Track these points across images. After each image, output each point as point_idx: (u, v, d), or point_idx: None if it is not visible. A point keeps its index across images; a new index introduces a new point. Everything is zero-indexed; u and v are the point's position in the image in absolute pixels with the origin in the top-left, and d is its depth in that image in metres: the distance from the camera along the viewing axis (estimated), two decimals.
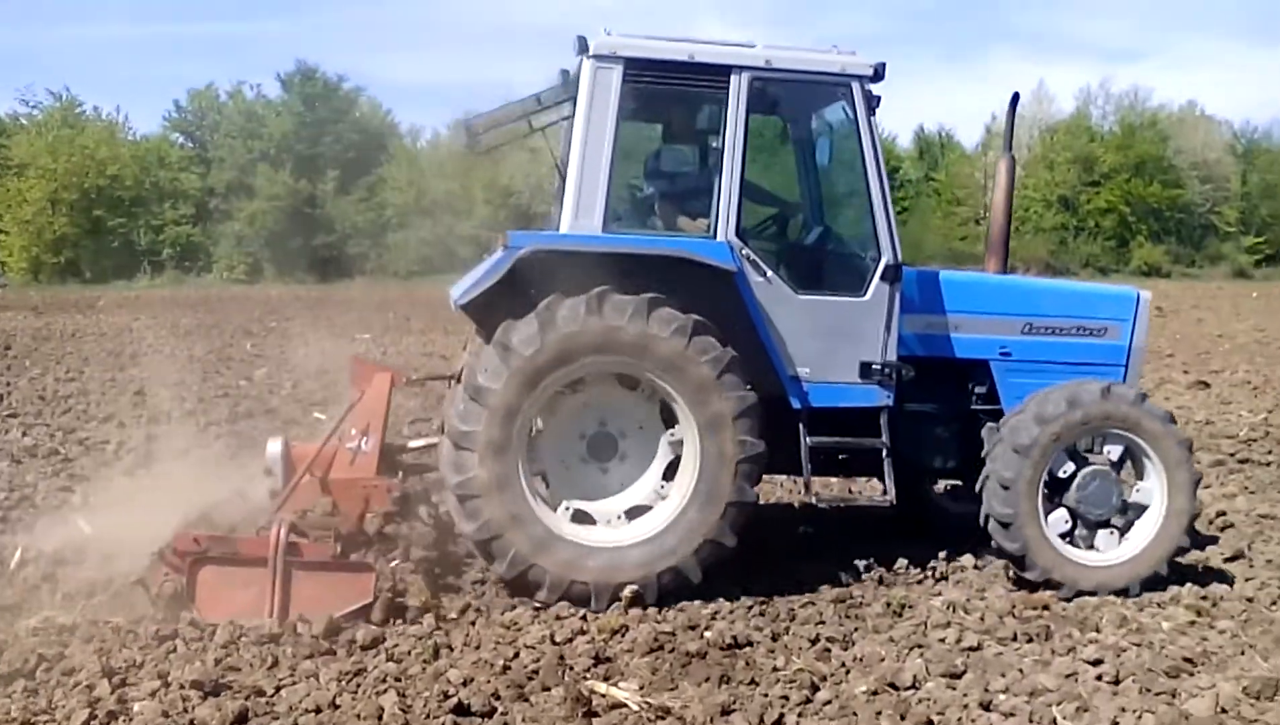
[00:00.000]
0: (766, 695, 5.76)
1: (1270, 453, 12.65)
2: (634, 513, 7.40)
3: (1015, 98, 8.95)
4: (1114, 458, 7.71)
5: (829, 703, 5.74)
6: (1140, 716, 5.61)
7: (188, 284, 57.38)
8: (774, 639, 6.67)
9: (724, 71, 7.42)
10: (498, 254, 7.22)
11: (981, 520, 7.71)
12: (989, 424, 7.99)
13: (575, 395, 7.36)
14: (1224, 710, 5.76)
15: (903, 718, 5.56)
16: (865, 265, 7.75)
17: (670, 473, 7.42)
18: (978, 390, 8.26)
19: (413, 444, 8.27)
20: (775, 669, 6.18)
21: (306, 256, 63.78)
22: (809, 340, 7.59)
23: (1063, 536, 7.65)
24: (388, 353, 22.81)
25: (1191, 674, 6.26)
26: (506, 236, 7.13)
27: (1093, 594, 7.52)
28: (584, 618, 6.91)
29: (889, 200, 7.66)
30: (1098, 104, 79.43)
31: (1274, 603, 7.66)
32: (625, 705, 5.65)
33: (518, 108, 8.25)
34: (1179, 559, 8.03)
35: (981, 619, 7.04)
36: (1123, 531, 7.75)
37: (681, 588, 7.23)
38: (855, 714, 5.61)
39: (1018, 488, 7.49)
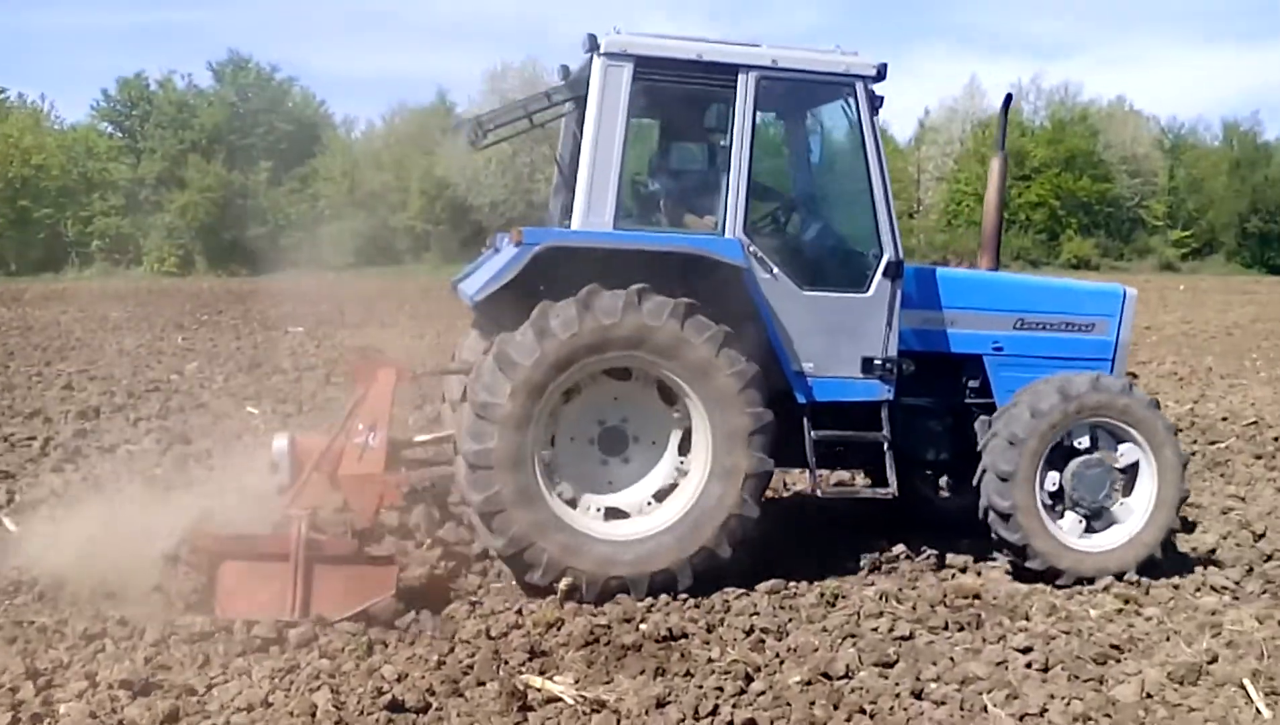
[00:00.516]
0: (701, 687, 5.78)
1: (1195, 442, 12.91)
2: (659, 497, 7.50)
3: (1008, 99, 9.15)
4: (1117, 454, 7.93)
5: (763, 693, 5.77)
6: (1069, 703, 5.71)
7: (117, 276, 56.49)
8: (709, 630, 6.70)
9: (732, 71, 7.50)
10: (510, 250, 7.24)
11: (981, 513, 7.86)
12: (982, 417, 8.23)
13: (572, 401, 7.40)
14: (1149, 695, 5.88)
15: (836, 707, 5.61)
16: (867, 262, 7.85)
17: (684, 450, 7.50)
18: (971, 384, 8.46)
19: (418, 438, 8.22)
20: (710, 660, 6.20)
21: (239, 248, 63.04)
22: (813, 336, 7.69)
23: (1049, 513, 7.84)
24: (321, 346, 22.59)
25: (1119, 660, 6.40)
26: (521, 233, 7.14)
27: (1092, 580, 7.71)
28: (519, 612, 6.90)
29: (890, 198, 7.78)
30: (1029, 99, 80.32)
31: (1198, 589, 7.83)
32: (560, 699, 5.65)
33: (524, 104, 8.47)
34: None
35: (914, 608, 7.13)
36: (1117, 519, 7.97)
37: (714, 568, 7.33)
38: (789, 704, 5.64)
39: (1015, 480, 7.65)
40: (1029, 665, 6.20)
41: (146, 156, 64.18)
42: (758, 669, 6.09)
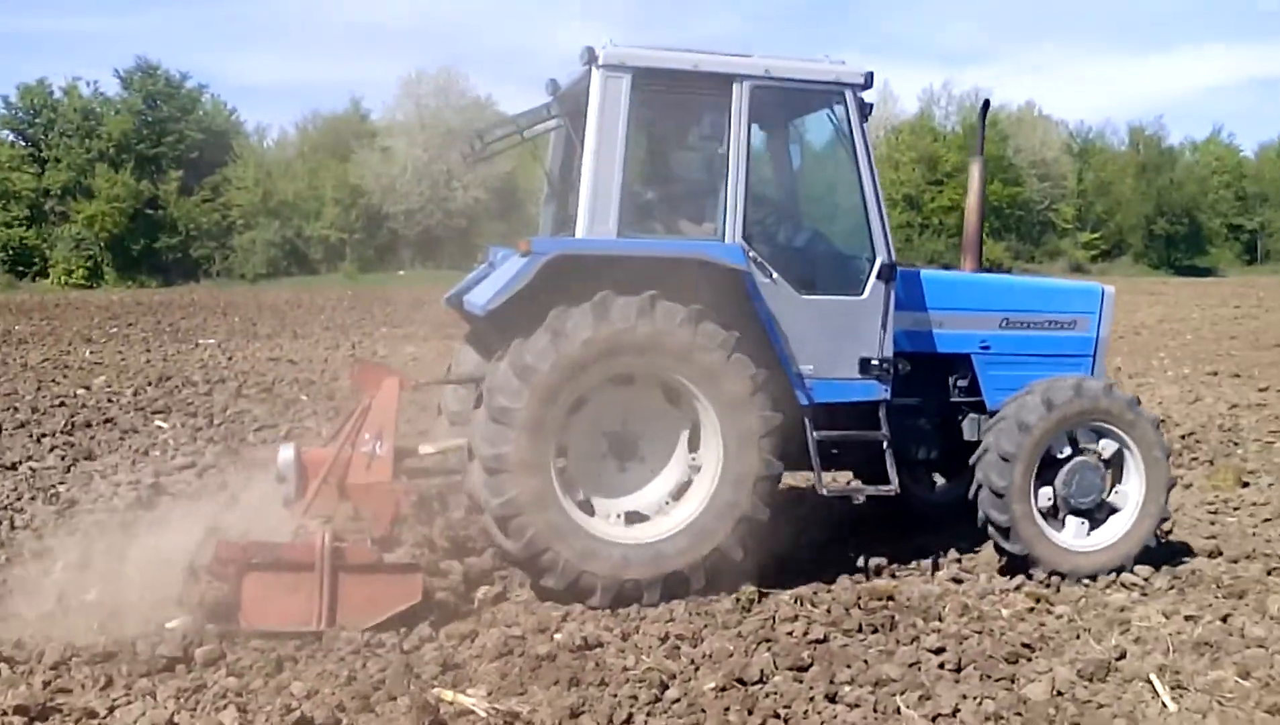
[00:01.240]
0: (615, 696, 5.74)
1: None
2: (676, 494, 7.60)
3: (986, 104, 9.40)
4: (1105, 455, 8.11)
5: (678, 700, 5.75)
6: (980, 703, 5.75)
7: (22, 289, 55.30)
8: (624, 639, 6.65)
9: (727, 80, 7.60)
10: (517, 260, 7.32)
11: (972, 493, 8.04)
12: (971, 415, 8.46)
13: (581, 410, 7.40)
14: (1059, 693, 5.95)
15: (750, 712, 5.60)
16: (861, 265, 7.98)
17: (694, 446, 7.59)
18: (959, 383, 8.63)
19: (423, 449, 8.12)
20: (625, 669, 6.15)
21: (149, 259, 61.99)
22: (812, 339, 7.80)
23: (1050, 522, 8.04)
24: (233, 358, 22.25)
25: (1030, 659, 6.46)
26: (529, 243, 7.22)
27: (1063, 577, 7.92)
28: (432, 624, 6.79)
29: (882, 202, 7.93)
30: (940, 105, 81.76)
31: (1108, 587, 7.94)
32: (473, 712, 5.57)
33: (527, 118, 8.55)
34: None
35: (828, 611, 7.14)
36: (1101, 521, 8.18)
37: (727, 569, 7.39)
38: (703, 710, 5.62)
39: (1017, 462, 7.81)
40: (942, 666, 6.23)
41: (51, 166, 62.87)
42: (672, 676, 6.05)
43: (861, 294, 7.90)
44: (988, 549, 8.53)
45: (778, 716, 5.59)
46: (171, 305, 39.45)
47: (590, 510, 7.46)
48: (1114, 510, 8.19)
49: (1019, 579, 7.91)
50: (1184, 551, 8.75)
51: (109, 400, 16.17)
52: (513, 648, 6.36)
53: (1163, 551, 8.66)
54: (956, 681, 6.05)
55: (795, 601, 7.35)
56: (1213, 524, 9.54)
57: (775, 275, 7.68)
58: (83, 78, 68.49)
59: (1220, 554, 8.76)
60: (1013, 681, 6.09)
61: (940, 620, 7.08)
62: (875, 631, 6.86)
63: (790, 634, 6.70)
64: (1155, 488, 8.11)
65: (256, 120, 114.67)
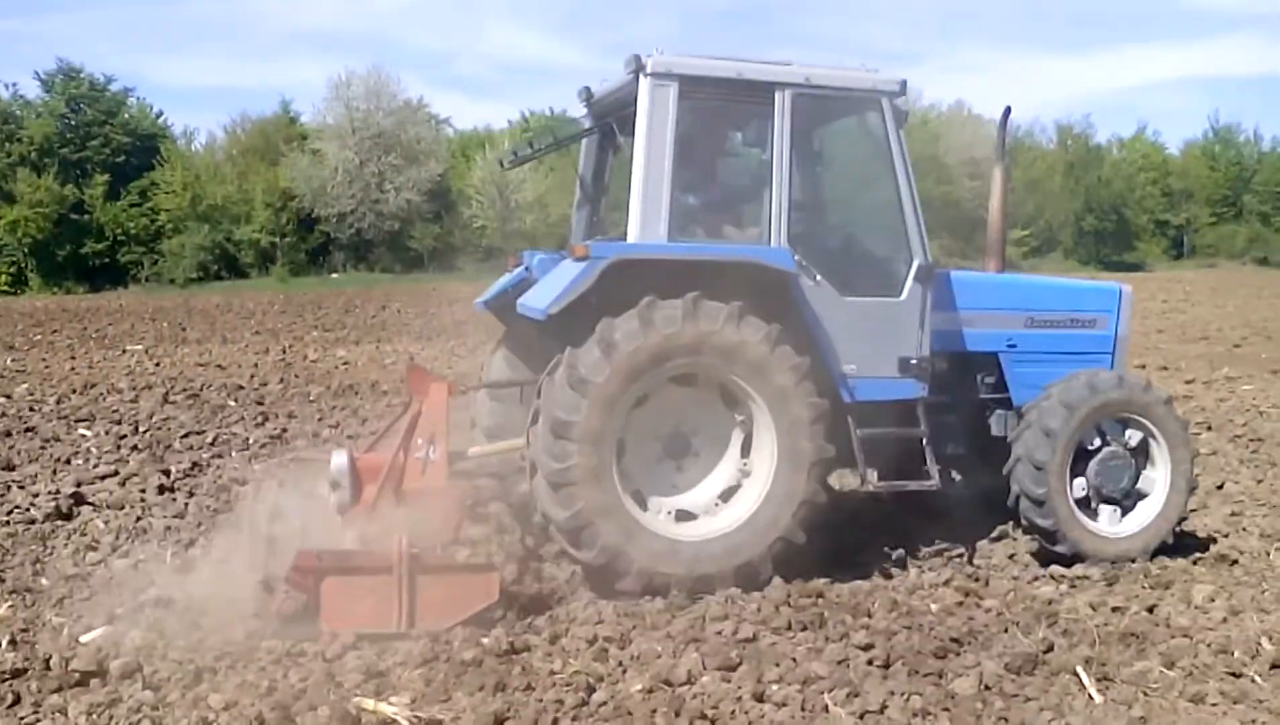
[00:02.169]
0: (541, 700, 5.65)
1: None
2: (724, 497, 7.78)
3: (1007, 111, 9.57)
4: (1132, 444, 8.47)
5: (604, 704, 5.67)
6: (908, 699, 5.73)
7: None
8: (552, 642, 6.56)
9: (769, 88, 7.80)
10: (571, 264, 7.49)
11: (1011, 500, 8.33)
12: (999, 411, 8.70)
13: (641, 407, 7.57)
14: (987, 687, 5.95)
15: (677, 714, 5.54)
16: (899, 267, 8.19)
17: (745, 452, 7.79)
18: (987, 380, 8.85)
19: (472, 451, 8.24)
20: (552, 672, 6.07)
21: (75, 265, 60.90)
22: (854, 339, 8.01)
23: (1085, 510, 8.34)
24: (161, 364, 21.89)
25: (958, 654, 6.46)
26: (587, 248, 7.38)
27: (1113, 563, 8.18)
28: (354, 633, 6.65)
29: (918, 205, 8.15)
30: None
31: (1035, 580, 7.98)
32: (395, 721, 5.47)
33: (554, 132, 9.07)
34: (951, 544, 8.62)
35: (758, 610, 7.09)
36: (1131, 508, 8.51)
37: (792, 555, 7.65)
38: (630, 713, 5.56)
39: (1049, 469, 8.10)
40: (870, 662, 6.21)
41: None
42: (600, 679, 5.98)
43: (900, 295, 8.13)
44: (920, 541, 8.58)
45: (704, 717, 5.54)
46: (98, 311, 38.74)
47: (644, 507, 7.61)
48: (1143, 495, 8.49)
49: (949, 573, 7.97)
50: None
51: (30, 408, 15.83)
52: (438, 654, 6.25)
53: None
54: (885, 678, 6.02)
55: (725, 600, 7.30)
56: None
57: (819, 278, 7.89)
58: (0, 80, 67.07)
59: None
60: (941, 676, 6.08)
61: (870, 616, 7.06)
62: (805, 629, 6.81)
63: (719, 633, 6.65)
64: (1180, 470, 8.44)
65: (184, 123, 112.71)
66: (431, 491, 7.36)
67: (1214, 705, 5.84)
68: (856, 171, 9.15)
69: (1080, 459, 8.31)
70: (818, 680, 5.92)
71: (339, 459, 7.52)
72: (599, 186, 9.13)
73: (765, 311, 7.50)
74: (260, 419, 14.88)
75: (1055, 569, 8.13)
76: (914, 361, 8.13)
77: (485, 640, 6.43)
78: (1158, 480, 8.48)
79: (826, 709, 5.65)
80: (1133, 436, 8.45)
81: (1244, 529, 9.46)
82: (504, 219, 69.13)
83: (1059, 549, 8.23)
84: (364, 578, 6.62)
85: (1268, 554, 8.67)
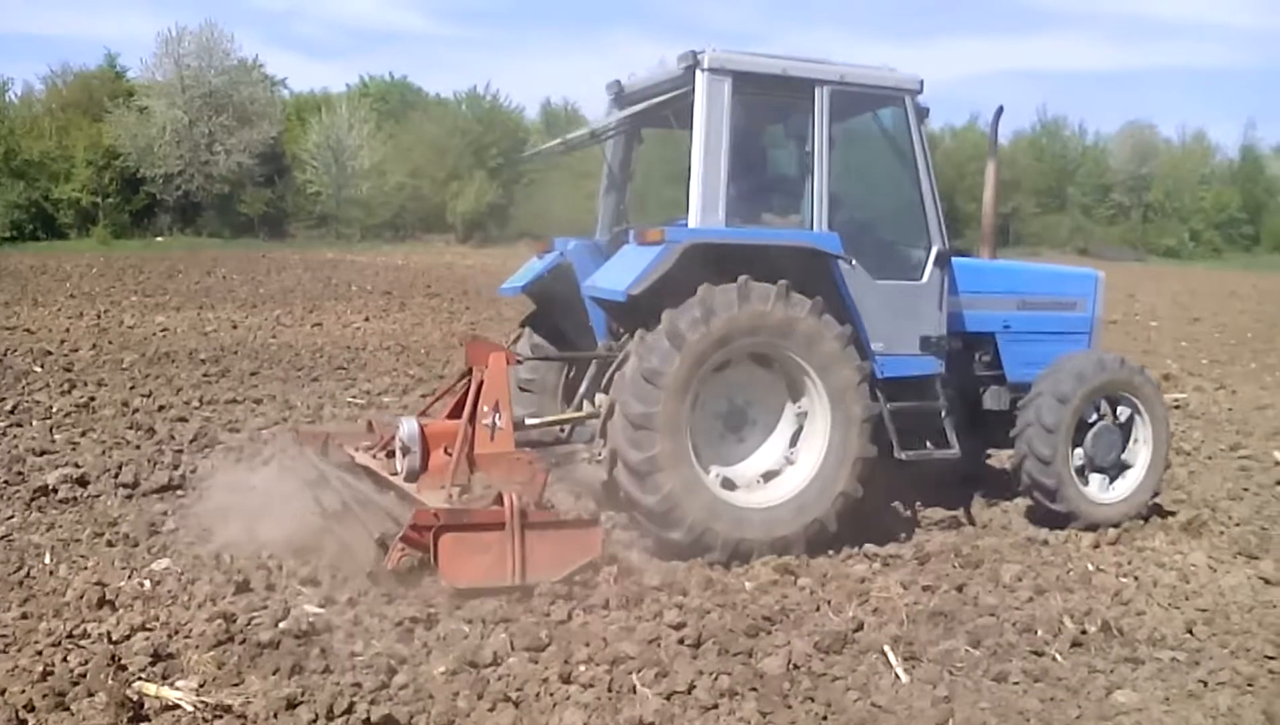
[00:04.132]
0: (339, 684, 5.40)
1: None
2: (768, 477, 8.27)
3: (999, 111, 10.33)
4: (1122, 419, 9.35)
5: (405, 686, 5.45)
6: (716, 678, 5.65)
7: None
8: (355, 623, 6.26)
9: (810, 85, 8.33)
10: (641, 248, 7.90)
11: (1016, 460, 9.13)
12: (994, 387, 9.48)
13: (716, 376, 8.02)
14: (796, 666, 5.92)
15: (480, 697, 5.37)
16: (920, 253, 8.84)
17: (795, 440, 8.29)
18: (984, 358, 9.56)
19: (530, 422, 8.50)
20: (353, 654, 5.80)
21: None
22: (883, 319, 8.55)
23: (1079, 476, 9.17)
24: None
25: (769, 632, 6.43)
26: (663, 232, 7.81)
27: (1094, 528, 8.96)
28: (144, 612, 6.30)
29: (937, 195, 8.78)
30: None
31: (850, 558, 8.04)
32: (179, 706, 5.16)
33: (592, 129, 9.62)
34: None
35: (572, 589, 6.94)
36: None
37: (824, 539, 8.09)
38: (431, 696, 5.36)
39: (1059, 432, 8.89)
40: (681, 641, 6.12)
41: None
42: (402, 661, 5.75)
43: (921, 278, 8.78)
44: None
45: (508, 699, 5.38)
46: None
47: (728, 481, 8.11)
48: (1126, 466, 9.35)
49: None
50: (928, 523, 8.94)
51: None
52: (233, 635, 5.91)
53: (907, 523, 8.85)
54: (694, 657, 5.94)
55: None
56: (958, 496, 9.76)
57: (855, 262, 8.36)
58: None
59: (961, 525, 9.00)
60: (750, 655, 6.03)
61: (684, 594, 6.97)
62: (620, 608, 6.70)
63: (530, 613, 6.49)
64: (1160, 444, 9.38)
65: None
66: (496, 457, 7.56)
67: (1016, 684, 5.93)
68: (882, 162, 9.49)
69: (1078, 430, 9.09)
70: (627, 660, 5.81)
71: (410, 426, 7.79)
72: (625, 175, 9.70)
73: (811, 293, 7.96)
74: (66, 387, 14.19)
75: (869, 547, 8.19)
76: (933, 339, 8.81)
77: (283, 623, 6.11)
78: (1141, 454, 9.33)
79: (634, 690, 5.54)
80: (1123, 412, 9.31)
81: (1053, 509, 9.68)
82: (339, 185, 67.76)
83: (1056, 507, 9.00)
84: (479, 534, 6.77)
85: (1076, 535, 8.90)
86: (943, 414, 8.88)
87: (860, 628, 6.54)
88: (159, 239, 59.82)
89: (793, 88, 8.35)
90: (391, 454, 8.13)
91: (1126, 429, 9.38)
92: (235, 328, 21.42)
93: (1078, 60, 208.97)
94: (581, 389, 9.08)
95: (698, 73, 8.02)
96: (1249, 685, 6.01)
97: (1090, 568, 8.07)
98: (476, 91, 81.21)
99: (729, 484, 8.16)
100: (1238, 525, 9.42)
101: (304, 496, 7.99)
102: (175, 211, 63.48)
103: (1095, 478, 9.26)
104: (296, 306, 25.64)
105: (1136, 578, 7.87)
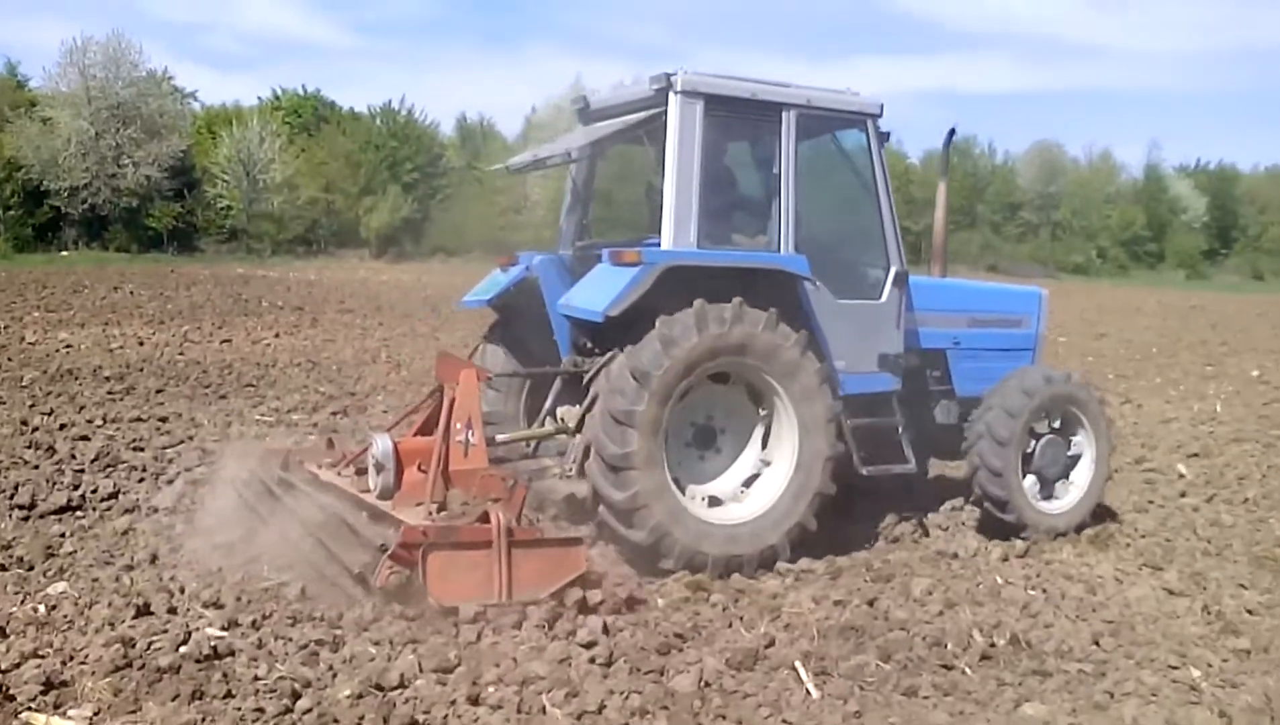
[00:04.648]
0: (240, 710, 5.27)
1: None
2: (748, 483, 8.49)
3: (951, 132, 10.56)
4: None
5: (309, 711, 5.32)
6: (627, 697, 5.61)
7: None
8: (259, 646, 6.12)
9: (778, 108, 8.50)
10: (617, 269, 8.00)
11: (969, 471, 9.43)
12: (943, 402, 9.70)
13: (678, 403, 8.06)
14: (707, 684, 5.89)
15: (386, 720, 5.24)
16: (879, 273, 9.08)
17: (765, 444, 8.50)
18: (934, 373, 9.75)
19: (500, 438, 8.50)
20: (256, 678, 5.66)
21: None
22: (844, 338, 8.75)
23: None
24: None
25: (681, 650, 6.41)
26: (640, 253, 7.94)
27: (1045, 535, 9.27)
28: (36, 639, 6.09)
29: (895, 217, 9.00)
30: None
31: (760, 572, 8.04)
32: None
33: (564, 146, 9.64)
34: None
35: (485, 608, 6.84)
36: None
37: (805, 539, 8.35)
38: (336, 720, 5.24)
39: (1010, 445, 9.18)
40: (592, 660, 6.06)
41: None
42: (307, 684, 5.61)
43: (881, 298, 9.01)
44: None
45: (415, 722, 5.27)
46: None
47: (683, 492, 8.19)
48: (1072, 478, 9.69)
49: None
50: (839, 537, 8.97)
51: None
52: (131, 660, 5.74)
53: (821, 538, 8.86)
54: (605, 676, 5.89)
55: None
56: (872, 510, 9.80)
57: (819, 282, 8.53)
58: None
59: (874, 539, 9.07)
60: (662, 673, 6.00)
61: (595, 613, 6.91)
62: (532, 628, 6.60)
63: (439, 634, 6.39)
64: (1103, 455, 9.73)
65: None
66: (470, 473, 7.56)
67: (926, 697, 5.96)
68: (845, 184, 9.66)
69: (1027, 442, 9.44)
70: (537, 680, 5.74)
71: (384, 443, 7.75)
72: (589, 192, 9.88)
73: (781, 314, 8.17)
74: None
75: (782, 564, 8.19)
76: (892, 357, 9.04)
77: (184, 647, 5.94)
78: (1085, 464, 9.68)
79: (544, 710, 5.48)
80: (1068, 425, 9.65)
81: (963, 523, 9.83)
82: (250, 199, 66.81)
83: (1007, 517, 9.28)
84: (466, 552, 6.76)
85: (985, 548, 8.99)
86: (899, 430, 9.11)
87: (772, 643, 6.53)
88: (64, 253, 58.46)
89: (761, 110, 8.52)
90: (362, 472, 8.13)
91: (1071, 441, 9.70)
92: (142, 344, 20.97)
93: (987, 81, 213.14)
94: (547, 403, 9.15)
95: (671, 95, 8.15)
96: (1153, 696, 6.11)
97: (999, 581, 8.16)
98: (391, 106, 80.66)
99: (715, 502, 8.38)
100: (1143, 537, 9.61)
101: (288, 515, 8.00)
102: (81, 225, 62.10)
103: (1042, 489, 9.56)
104: (205, 322, 25.18)
105: (1045, 590, 7.97)
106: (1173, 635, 7.12)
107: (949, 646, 6.64)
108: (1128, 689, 6.17)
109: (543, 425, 8.98)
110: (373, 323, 26.79)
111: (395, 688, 5.63)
